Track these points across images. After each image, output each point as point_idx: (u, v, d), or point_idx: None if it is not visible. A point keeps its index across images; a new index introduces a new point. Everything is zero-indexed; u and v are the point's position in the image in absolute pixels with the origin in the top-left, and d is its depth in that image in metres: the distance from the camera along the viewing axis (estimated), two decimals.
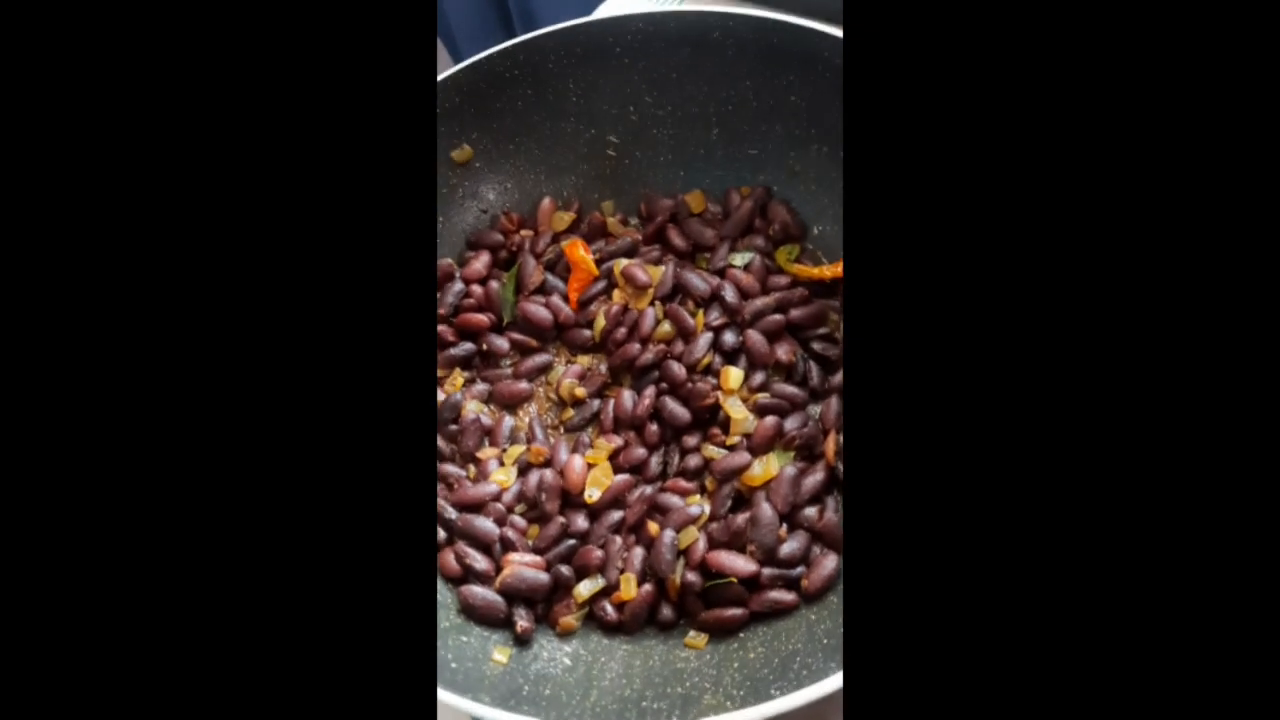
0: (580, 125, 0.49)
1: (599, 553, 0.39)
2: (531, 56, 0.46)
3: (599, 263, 0.48)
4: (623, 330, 0.45)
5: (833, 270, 0.45)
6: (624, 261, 0.47)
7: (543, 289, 0.48)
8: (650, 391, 0.43)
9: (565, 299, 0.47)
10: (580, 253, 0.47)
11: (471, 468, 0.44)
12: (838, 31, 0.41)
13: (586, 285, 0.47)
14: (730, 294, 0.44)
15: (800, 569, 0.37)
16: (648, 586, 0.38)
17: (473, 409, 0.45)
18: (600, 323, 0.46)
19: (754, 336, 0.43)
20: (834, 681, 0.29)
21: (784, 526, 0.38)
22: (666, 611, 0.38)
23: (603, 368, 0.46)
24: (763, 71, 0.44)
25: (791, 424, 0.41)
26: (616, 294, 0.47)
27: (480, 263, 0.48)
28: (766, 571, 0.37)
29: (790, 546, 0.37)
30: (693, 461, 0.41)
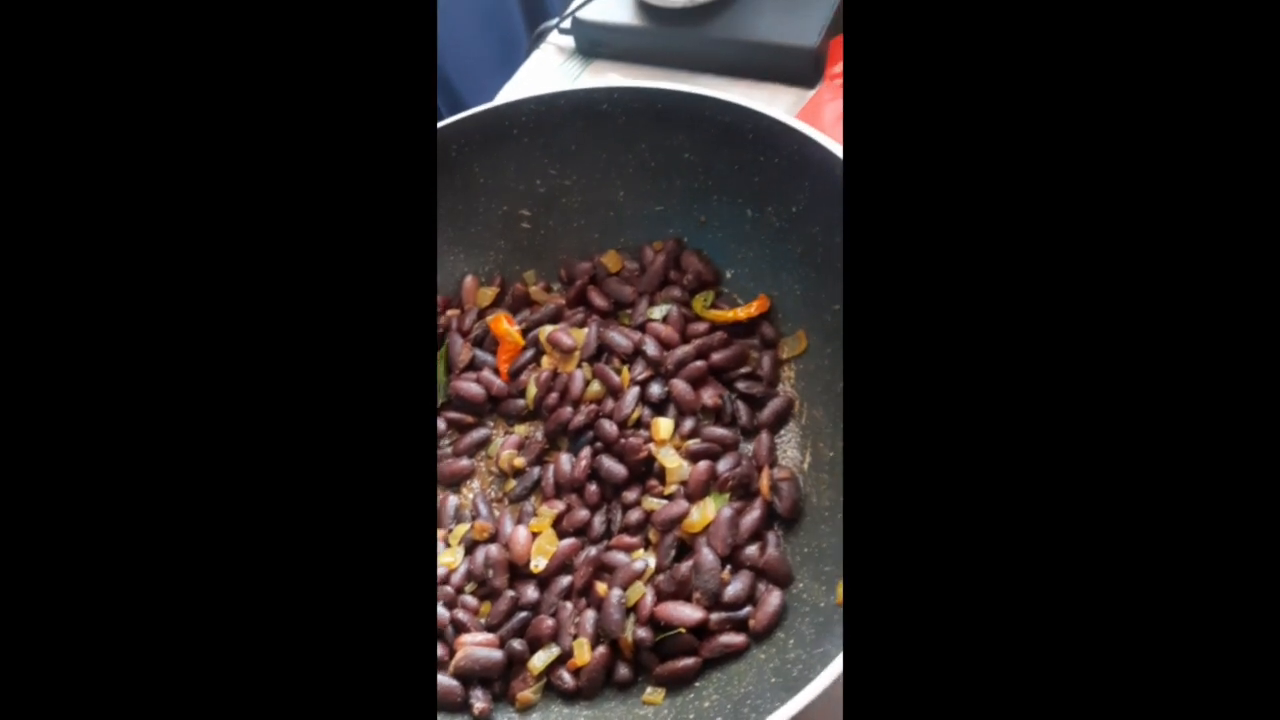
0: (492, 203, 0.51)
1: (550, 621, 0.39)
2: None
3: (525, 332, 0.49)
4: (554, 395, 0.46)
5: (746, 311, 0.46)
6: (549, 328, 0.48)
7: (473, 365, 0.49)
8: (586, 452, 0.44)
9: (496, 372, 0.48)
10: (505, 325, 0.48)
11: None
12: (714, 93, 0.44)
13: (515, 356, 0.48)
14: (651, 348, 0.45)
15: (747, 609, 0.38)
16: (601, 649, 0.38)
17: None
18: (532, 390, 0.47)
19: (679, 385, 0.44)
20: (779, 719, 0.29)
21: (727, 568, 0.39)
22: (624, 671, 0.38)
23: (539, 434, 0.46)
24: (654, 134, 0.47)
25: (724, 465, 0.42)
26: (545, 360, 0.48)
27: None
28: (714, 616, 0.37)
29: (734, 588, 0.38)
30: (634, 516, 0.42)
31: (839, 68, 0.56)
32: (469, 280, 0.51)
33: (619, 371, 0.45)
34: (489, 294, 0.51)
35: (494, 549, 0.41)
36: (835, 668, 0.28)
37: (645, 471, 0.43)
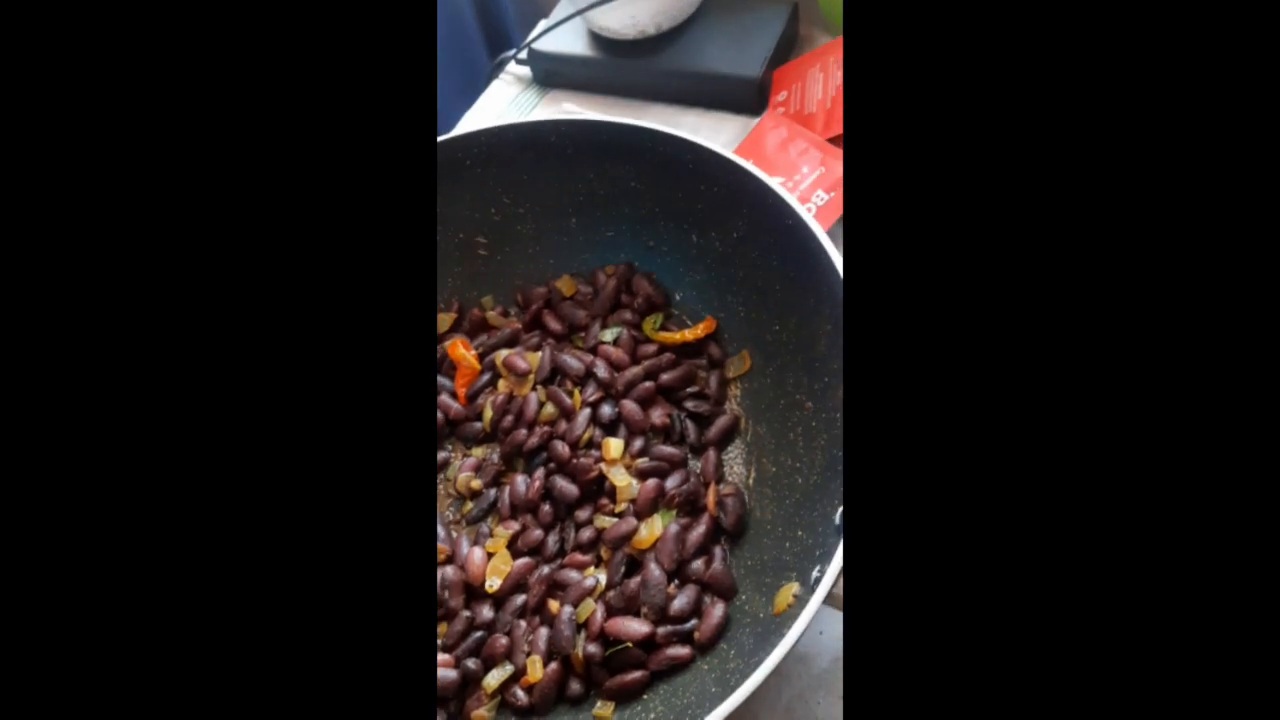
0: (449, 231, 0.52)
1: (504, 640, 0.40)
2: None
3: (481, 356, 0.50)
4: (510, 418, 0.47)
5: (694, 332, 0.48)
6: (504, 352, 0.49)
7: None
8: (540, 473, 0.45)
9: (454, 396, 0.50)
10: (461, 351, 0.50)
11: None
12: (653, 125, 0.46)
13: (472, 380, 0.50)
14: (602, 370, 0.47)
15: (692, 622, 0.39)
16: (554, 665, 0.39)
17: None
18: (488, 413, 0.48)
19: (629, 406, 0.46)
20: None
21: (674, 583, 0.40)
22: (575, 686, 0.39)
23: (495, 457, 0.48)
24: (601, 164, 0.48)
25: (672, 483, 0.43)
26: (501, 384, 0.49)
27: None
28: (661, 630, 0.39)
29: (680, 602, 0.39)
30: (586, 534, 0.43)
31: (782, 95, 0.58)
32: None
33: (571, 394, 0.47)
34: (447, 319, 0.52)
35: (450, 570, 0.42)
36: (760, 674, 0.30)
37: (597, 490, 0.44)
